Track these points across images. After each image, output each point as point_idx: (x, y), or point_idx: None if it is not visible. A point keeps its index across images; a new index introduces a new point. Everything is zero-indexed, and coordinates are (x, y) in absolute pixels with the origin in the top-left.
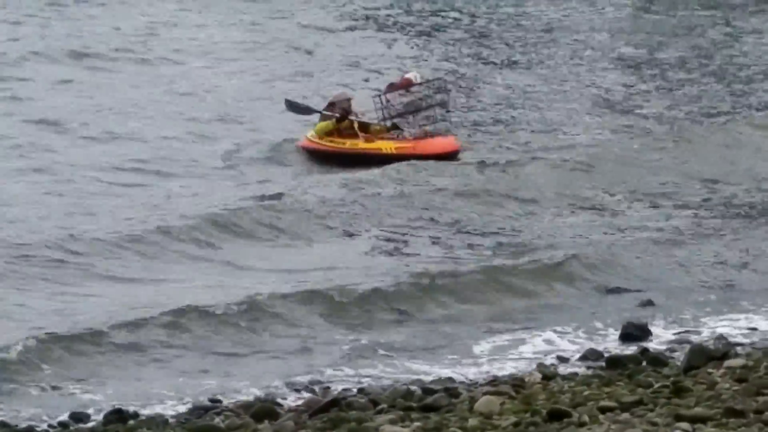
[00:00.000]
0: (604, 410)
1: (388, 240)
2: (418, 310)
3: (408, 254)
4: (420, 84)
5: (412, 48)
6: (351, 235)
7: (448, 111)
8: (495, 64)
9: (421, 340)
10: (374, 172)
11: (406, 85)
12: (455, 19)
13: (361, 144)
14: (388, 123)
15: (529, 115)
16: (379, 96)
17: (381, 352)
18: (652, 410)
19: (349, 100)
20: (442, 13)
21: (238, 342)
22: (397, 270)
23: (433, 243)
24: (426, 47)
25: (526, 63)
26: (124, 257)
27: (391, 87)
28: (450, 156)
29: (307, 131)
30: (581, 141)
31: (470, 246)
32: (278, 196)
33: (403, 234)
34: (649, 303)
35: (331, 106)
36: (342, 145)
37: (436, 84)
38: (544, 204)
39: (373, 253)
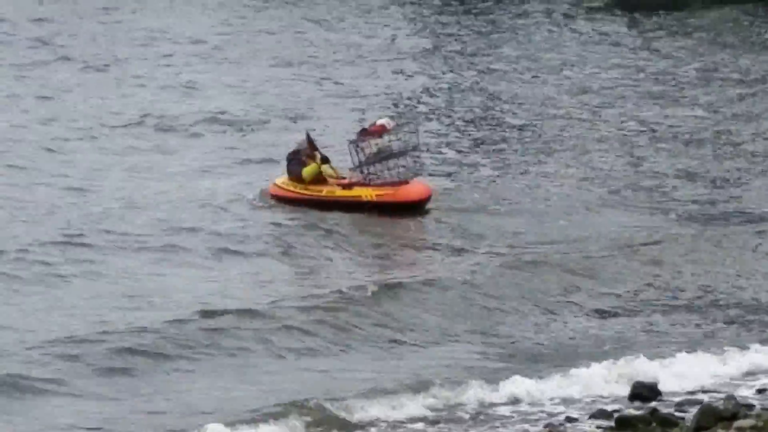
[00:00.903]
0: None
1: None
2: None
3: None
4: (392, 130)
5: (392, 80)
6: None
7: (419, 156)
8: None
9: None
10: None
11: (380, 131)
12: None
13: (338, 191)
14: (363, 170)
15: (507, 158)
16: (355, 143)
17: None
18: None
19: (312, 142)
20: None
21: None
22: None
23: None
24: (403, 80)
25: (507, 97)
26: None
27: (364, 133)
28: (426, 202)
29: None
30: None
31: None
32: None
33: None
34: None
35: (296, 153)
36: (318, 192)
37: (407, 129)
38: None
39: None
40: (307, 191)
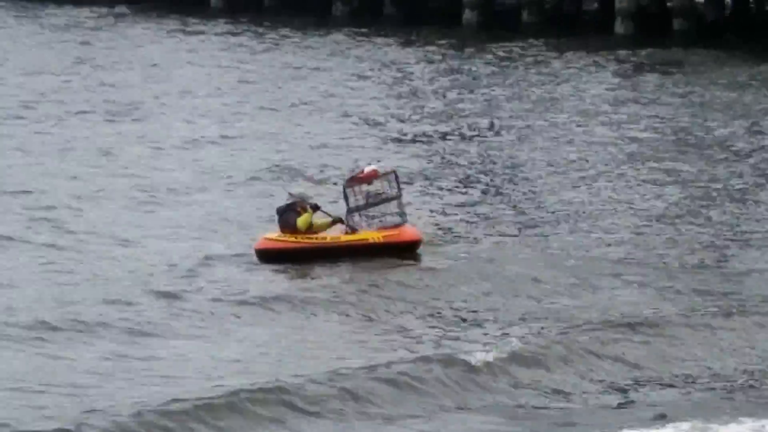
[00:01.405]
0: None
1: None
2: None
3: None
4: (382, 176)
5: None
6: None
7: (401, 203)
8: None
9: None
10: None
11: (372, 177)
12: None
13: (343, 237)
14: (356, 215)
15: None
16: (351, 187)
17: None
18: None
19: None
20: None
21: None
22: None
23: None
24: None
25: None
26: None
27: (353, 180)
28: (419, 244)
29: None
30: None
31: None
32: None
33: None
34: (662, 417)
35: (291, 205)
36: (323, 240)
37: (393, 175)
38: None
39: None
40: (310, 240)
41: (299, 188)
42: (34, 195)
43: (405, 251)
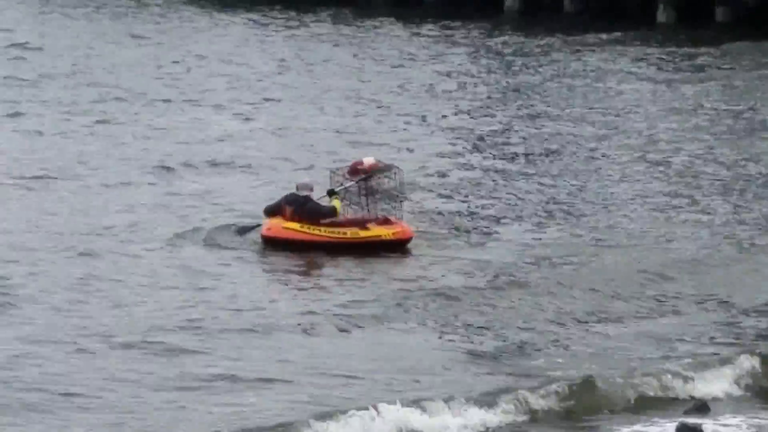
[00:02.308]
0: None
1: None
2: None
3: None
4: (381, 169)
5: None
6: None
7: (401, 199)
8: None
9: None
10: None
11: (373, 169)
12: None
13: (362, 232)
14: (352, 206)
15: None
16: (343, 175)
17: None
18: None
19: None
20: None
21: None
22: None
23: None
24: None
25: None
26: None
27: (353, 170)
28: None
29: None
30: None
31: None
32: None
33: None
34: (704, 407)
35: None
36: (343, 235)
37: (393, 170)
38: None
39: None
40: (331, 234)
41: (306, 178)
42: None
43: (400, 247)
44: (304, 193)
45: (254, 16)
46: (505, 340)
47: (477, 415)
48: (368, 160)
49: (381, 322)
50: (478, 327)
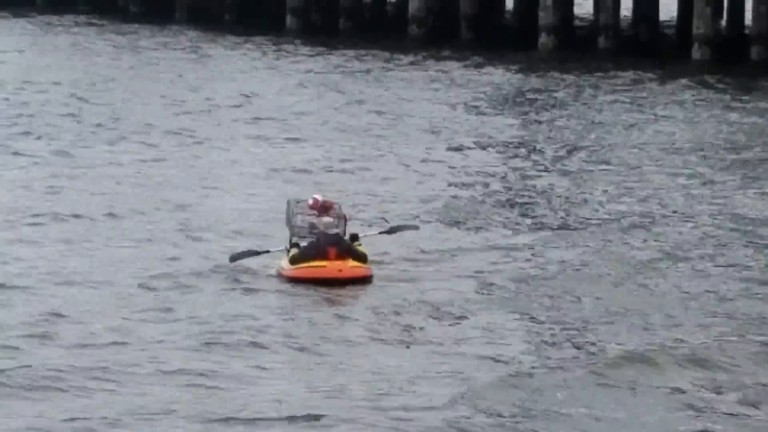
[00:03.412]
0: None
1: None
2: None
3: None
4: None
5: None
6: None
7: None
8: None
9: None
10: None
11: (326, 209)
12: None
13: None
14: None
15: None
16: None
17: None
18: None
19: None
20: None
21: None
22: None
23: None
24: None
25: None
26: None
27: (316, 206)
28: None
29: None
30: None
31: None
32: None
33: None
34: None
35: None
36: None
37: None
38: None
39: None
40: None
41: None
42: None
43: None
44: (340, 229)
45: (289, 49)
46: None
47: None
48: (326, 198)
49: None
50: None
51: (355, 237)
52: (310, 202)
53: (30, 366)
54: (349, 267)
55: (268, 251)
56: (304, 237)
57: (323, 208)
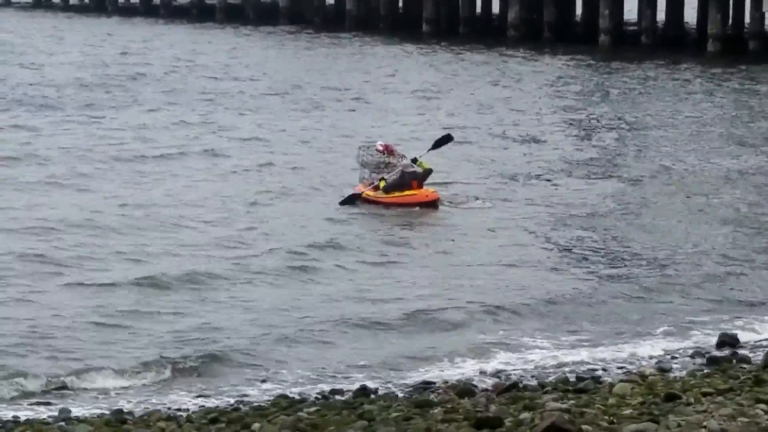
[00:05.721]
0: (705, 394)
1: None
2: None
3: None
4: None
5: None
6: None
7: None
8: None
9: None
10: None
11: (392, 150)
12: None
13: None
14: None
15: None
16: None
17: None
18: (739, 395)
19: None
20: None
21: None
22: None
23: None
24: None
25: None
26: None
27: (384, 149)
28: None
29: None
30: None
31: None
32: None
33: None
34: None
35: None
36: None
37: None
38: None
39: None
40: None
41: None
42: None
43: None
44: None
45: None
46: None
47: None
48: (388, 144)
49: None
50: None
51: (415, 159)
52: (380, 147)
53: None
54: (431, 192)
55: (361, 194)
56: (378, 172)
57: (389, 151)
